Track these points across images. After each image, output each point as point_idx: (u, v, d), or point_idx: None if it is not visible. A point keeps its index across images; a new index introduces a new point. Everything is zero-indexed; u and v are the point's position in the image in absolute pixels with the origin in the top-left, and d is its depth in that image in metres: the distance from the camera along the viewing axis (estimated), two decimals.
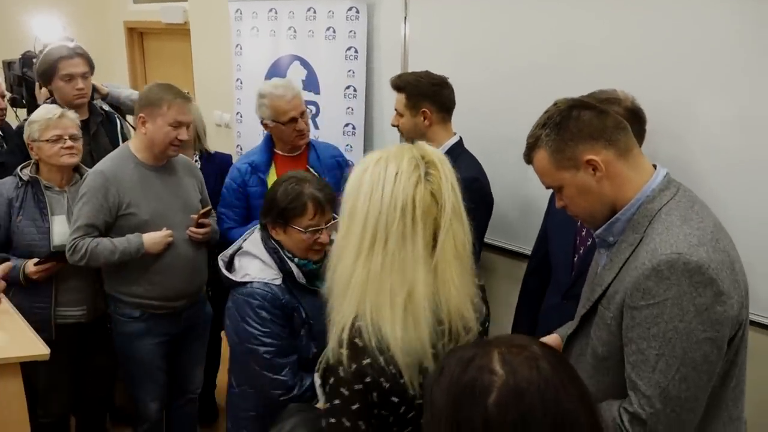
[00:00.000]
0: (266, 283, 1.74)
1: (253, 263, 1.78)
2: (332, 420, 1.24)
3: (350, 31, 2.92)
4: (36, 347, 2.12)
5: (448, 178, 1.24)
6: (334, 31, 2.97)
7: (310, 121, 2.63)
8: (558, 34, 2.34)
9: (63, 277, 2.45)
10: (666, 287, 1.16)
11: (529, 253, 2.27)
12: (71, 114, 2.51)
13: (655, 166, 1.32)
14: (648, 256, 1.19)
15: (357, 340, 1.20)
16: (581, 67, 2.23)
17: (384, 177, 1.21)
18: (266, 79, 3.24)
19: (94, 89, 3.11)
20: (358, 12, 2.88)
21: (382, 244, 1.20)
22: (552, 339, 1.55)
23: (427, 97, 2.28)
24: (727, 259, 1.20)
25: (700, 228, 1.21)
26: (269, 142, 2.62)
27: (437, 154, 1.27)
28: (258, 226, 1.87)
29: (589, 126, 1.27)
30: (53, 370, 2.53)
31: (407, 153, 1.24)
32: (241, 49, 3.34)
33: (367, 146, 3.04)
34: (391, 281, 1.20)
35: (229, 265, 1.84)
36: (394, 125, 2.37)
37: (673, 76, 2.05)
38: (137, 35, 4.91)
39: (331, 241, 1.80)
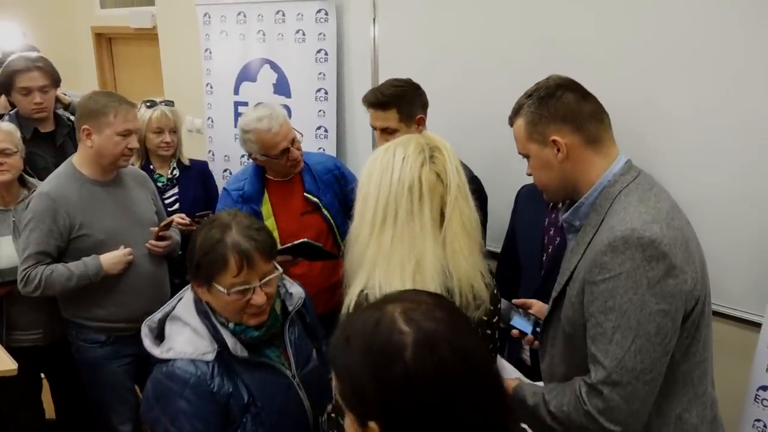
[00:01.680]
0: (192, 361, 1.40)
1: (181, 333, 1.44)
2: None
3: (320, 34, 2.91)
4: (3, 362, 2.08)
5: (452, 160, 1.36)
6: (304, 34, 2.95)
7: (302, 145, 2.41)
8: (527, 33, 2.35)
9: (14, 300, 2.33)
10: (621, 261, 1.22)
11: (498, 251, 2.28)
12: (5, 126, 2.36)
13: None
14: (606, 234, 1.26)
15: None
16: (551, 65, 2.22)
17: (393, 162, 1.33)
18: (236, 84, 3.23)
19: (57, 99, 3.05)
20: (327, 14, 2.87)
21: (392, 220, 1.31)
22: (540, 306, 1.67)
23: (417, 102, 2.19)
24: (681, 236, 1.26)
25: (656, 208, 1.27)
26: (259, 169, 2.41)
27: (442, 140, 1.39)
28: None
29: (565, 108, 1.35)
30: (16, 392, 2.46)
31: (413, 140, 1.36)
32: (210, 53, 3.30)
33: (340, 148, 3.03)
34: (401, 253, 1.30)
35: (161, 332, 1.49)
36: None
37: (637, 74, 2.08)
38: (105, 40, 4.84)
39: (284, 295, 1.63)
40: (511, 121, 1.45)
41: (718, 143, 1.99)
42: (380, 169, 1.34)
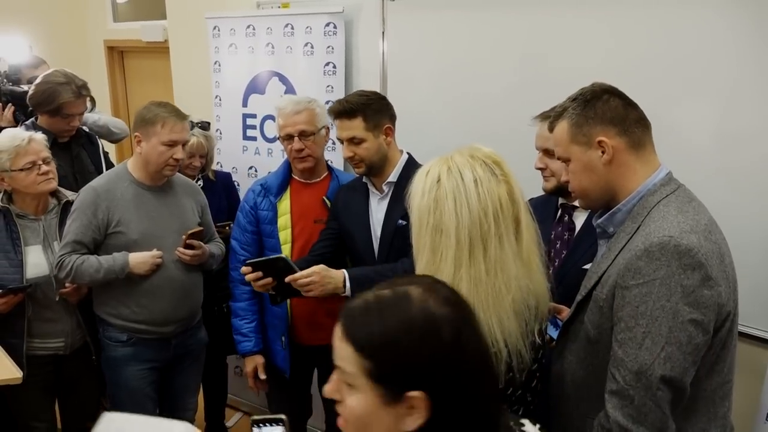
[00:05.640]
0: None
1: None
2: None
3: (328, 47, 2.92)
4: (8, 371, 2.08)
5: (512, 173, 1.31)
6: (312, 47, 2.97)
7: (322, 146, 2.43)
8: (541, 49, 2.36)
9: (36, 309, 2.36)
10: (656, 267, 1.20)
11: None
12: (38, 136, 2.40)
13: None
14: (642, 240, 1.24)
15: None
16: (564, 82, 2.21)
17: (464, 187, 1.24)
18: (245, 96, 3.24)
19: None
20: (335, 27, 2.88)
21: (482, 251, 1.24)
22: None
23: (385, 112, 2.17)
24: (717, 249, 1.24)
25: (695, 219, 1.26)
26: (288, 165, 2.47)
27: (495, 152, 1.33)
28: None
29: (612, 111, 1.35)
30: (31, 401, 2.47)
31: (474, 158, 1.28)
32: (219, 66, 3.32)
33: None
34: (497, 283, 1.24)
35: None
36: (348, 157, 2.17)
37: (651, 87, 2.07)
38: (117, 54, 4.89)
39: None
40: (552, 125, 1.44)
41: (720, 158, 1.98)
42: (452, 197, 1.24)
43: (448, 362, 0.86)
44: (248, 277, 2.02)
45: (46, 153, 2.38)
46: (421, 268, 1.29)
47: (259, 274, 2.01)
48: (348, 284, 1.99)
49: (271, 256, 2.05)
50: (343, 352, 0.91)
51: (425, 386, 0.86)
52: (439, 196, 1.25)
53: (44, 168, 2.33)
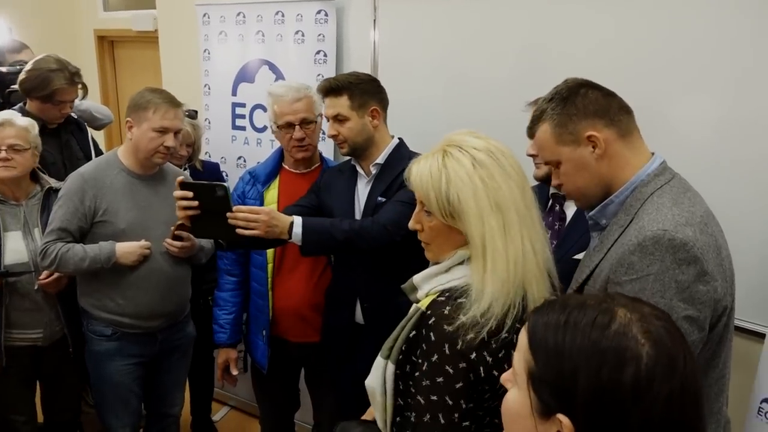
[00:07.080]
0: None
1: None
2: (434, 397, 1.20)
3: (319, 35, 2.87)
4: None
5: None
6: (303, 35, 2.92)
7: (318, 134, 2.38)
8: (532, 38, 2.32)
9: (14, 299, 2.31)
10: (649, 262, 1.16)
11: None
12: (20, 122, 2.34)
13: (653, 154, 1.34)
14: (635, 233, 1.20)
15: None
16: (556, 71, 2.18)
17: (498, 161, 1.24)
18: (234, 85, 3.19)
19: None
20: (326, 15, 2.83)
21: (532, 219, 1.24)
22: None
23: (373, 94, 2.13)
24: (714, 242, 1.20)
25: (690, 211, 1.21)
26: (279, 154, 2.43)
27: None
28: None
29: (594, 104, 1.29)
30: (9, 393, 2.42)
31: (490, 141, 1.28)
32: (209, 54, 3.27)
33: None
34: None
35: None
36: (332, 135, 2.14)
37: (652, 78, 2.05)
38: (108, 43, 4.83)
39: None
40: (531, 130, 1.38)
41: (720, 152, 1.96)
42: (498, 170, 1.23)
43: (614, 405, 0.74)
44: (176, 194, 1.82)
45: (16, 141, 2.29)
46: (499, 249, 1.20)
47: (188, 194, 1.81)
48: (296, 230, 1.85)
49: (212, 182, 1.82)
50: (520, 342, 0.86)
51: (578, 418, 0.76)
52: (483, 175, 1.21)
53: (3, 154, 2.27)
